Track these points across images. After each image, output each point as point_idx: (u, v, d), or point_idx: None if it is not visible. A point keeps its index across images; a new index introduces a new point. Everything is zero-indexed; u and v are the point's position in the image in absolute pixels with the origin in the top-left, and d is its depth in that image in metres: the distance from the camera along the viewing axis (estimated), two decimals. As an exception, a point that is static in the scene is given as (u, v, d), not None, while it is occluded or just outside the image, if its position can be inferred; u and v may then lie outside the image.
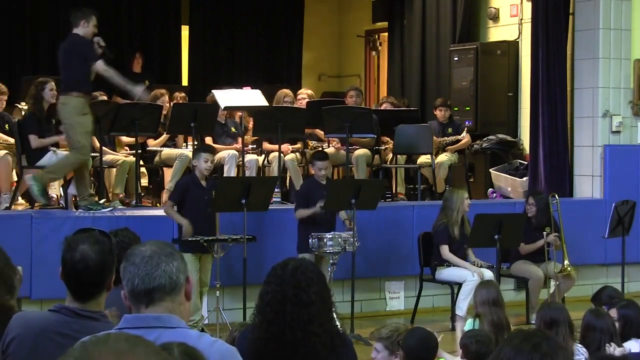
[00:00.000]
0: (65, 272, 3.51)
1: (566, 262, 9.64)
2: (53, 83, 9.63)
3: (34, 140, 9.46)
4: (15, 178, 10.05)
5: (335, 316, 4.08)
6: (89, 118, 8.95)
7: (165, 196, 10.30)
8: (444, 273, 9.43)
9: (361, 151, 10.97)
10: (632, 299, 6.41)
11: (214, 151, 9.43)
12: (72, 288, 3.52)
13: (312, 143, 11.61)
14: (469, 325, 6.72)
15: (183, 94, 11.88)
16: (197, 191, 8.59)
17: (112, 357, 1.76)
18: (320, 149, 11.37)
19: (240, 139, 10.69)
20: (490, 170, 12.20)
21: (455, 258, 9.36)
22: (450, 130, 11.74)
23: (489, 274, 9.21)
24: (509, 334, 6.00)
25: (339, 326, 4.19)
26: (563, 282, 9.75)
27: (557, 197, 9.95)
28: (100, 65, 8.92)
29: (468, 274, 9.17)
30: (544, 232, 9.67)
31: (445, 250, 9.40)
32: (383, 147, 11.61)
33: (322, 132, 11.30)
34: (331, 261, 8.63)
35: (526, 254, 9.85)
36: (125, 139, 11.00)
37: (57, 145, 9.78)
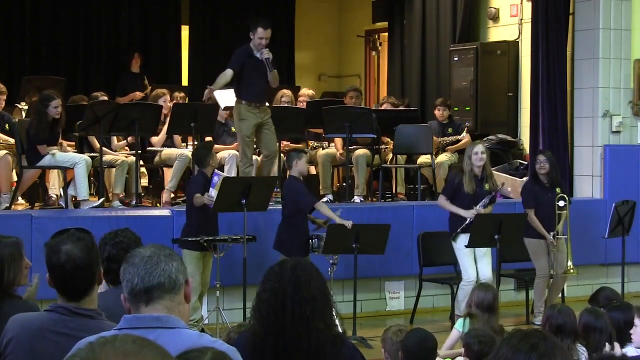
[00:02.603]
0: (55, 275, 3.47)
1: (570, 263, 9.57)
2: (59, 100, 9.48)
3: (43, 150, 9.40)
4: (15, 178, 10.03)
5: (335, 316, 4.03)
6: (244, 123, 9.66)
7: (165, 196, 10.30)
8: (460, 242, 8.98)
9: (361, 151, 10.96)
10: (627, 302, 6.31)
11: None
12: (64, 290, 3.49)
13: (312, 143, 11.61)
14: (459, 324, 6.71)
15: (183, 94, 11.87)
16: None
17: (118, 358, 1.77)
18: (322, 149, 11.38)
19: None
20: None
21: (449, 205, 9.06)
22: (450, 130, 11.73)
23: (488, 275, 9.11)
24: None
25: (339, 327, 4.15)
26: (560, 281, 9.72)
27: (567, 199, 9.70)
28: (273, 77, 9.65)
29: (467, 272, 8.98)
30: (556, 195, 9.41)
31: (440, 199, 9.23)
32: (383, 147, 11.60)
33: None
34: (331, 261, 8.62)
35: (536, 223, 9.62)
36: (119, 142, 10.87)
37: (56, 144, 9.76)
